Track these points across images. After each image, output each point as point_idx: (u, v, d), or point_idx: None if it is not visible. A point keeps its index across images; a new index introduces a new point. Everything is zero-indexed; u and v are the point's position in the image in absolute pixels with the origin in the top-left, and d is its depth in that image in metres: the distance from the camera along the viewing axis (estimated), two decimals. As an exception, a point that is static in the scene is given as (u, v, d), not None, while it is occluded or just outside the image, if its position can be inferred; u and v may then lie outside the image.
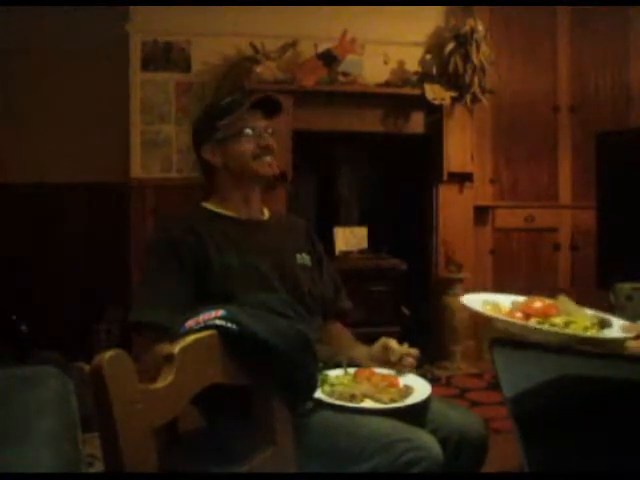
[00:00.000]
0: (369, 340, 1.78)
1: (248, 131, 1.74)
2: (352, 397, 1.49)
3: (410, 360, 1.65)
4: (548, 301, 1.36)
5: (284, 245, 1.79)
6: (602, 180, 3.43)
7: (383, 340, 1.70)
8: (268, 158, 1.75)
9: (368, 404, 1.49)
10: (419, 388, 1.56)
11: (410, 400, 1.51)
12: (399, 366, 1.64)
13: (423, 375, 1.69)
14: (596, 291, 3.48)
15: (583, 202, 4.07)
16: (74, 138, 3.97)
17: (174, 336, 1.16)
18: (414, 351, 1.66)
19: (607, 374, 0.72)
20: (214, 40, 3.73)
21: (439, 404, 1.58)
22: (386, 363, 1.66)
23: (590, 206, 3.67)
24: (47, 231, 3.98)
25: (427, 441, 1.39)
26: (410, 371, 1.64)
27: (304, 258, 1.80)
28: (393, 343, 1.67)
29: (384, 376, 1.59)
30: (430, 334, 3.90)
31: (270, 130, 1.78)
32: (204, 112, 1.86)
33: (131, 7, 3.67)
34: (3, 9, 3.65)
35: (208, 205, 1.79)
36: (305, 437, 1.38)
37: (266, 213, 1.85)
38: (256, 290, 1.59)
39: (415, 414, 1.49)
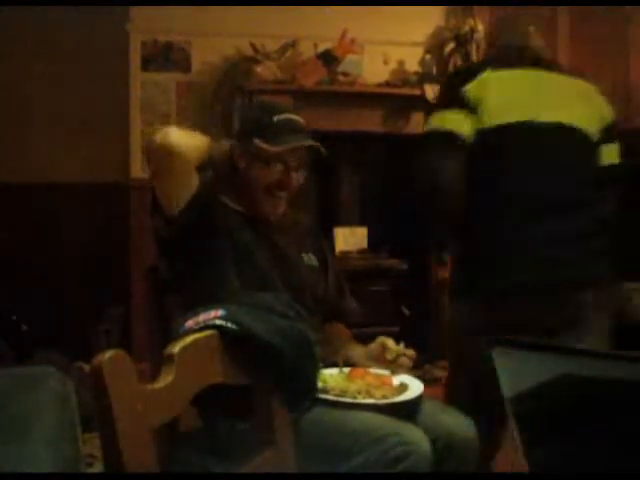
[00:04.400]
0: (369, 340, 1.79)
1: (277, 165, 1.70)
2: (344, 393, 1.50)
3: (405, 360, 1.65)
4: None
5: (291, 245, 1.79)
6: (602, 180, 3.43)
7: (381, 339, 1.71)
8: (282, 194, 1.72)
9: (360, 400, 1.49)
10: (412, 387, 1.57)
11: (402, 397, 1.52)
12: (394, 365, 1.65)
13: (422, 375, 1.69)
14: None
15: (583, 202, 4.07)
16: (74, 138, 3.97)
17: (173, 336, 1.16)
18: (410, 352, 1.67)
19: (607, 374, 0.72)
20: (214, 40, 3.72)
21: (429, 405, 1.59)
22: (382, 362, 1.66)
23: (590, 206, 3.67)
24: (47, 231, 3.98)
25: (416, 436, 1.40)
26: (406, 372, 1.65)
27: (311, 259, 1.80)
28: (390, 342, 1.69)
29: (377, 375, 1.60)
30: (430, 334, 3.90)
31: (300, 162, 1.74)
32: (252, 115, 1.80)
33: (131, 7, 3.66)
34: (3, 9, 3.65)
35: (223, 198, 1.78)
36: (297, 432, 1.38)
37: None
38: (258, 289, 1.58)
39: (407, 412, 1.50)
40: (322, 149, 1.73)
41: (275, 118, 1.71)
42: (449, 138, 1.83)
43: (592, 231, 1.89)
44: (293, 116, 1.76)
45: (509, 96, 1.89)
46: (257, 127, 1.71)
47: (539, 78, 1.96)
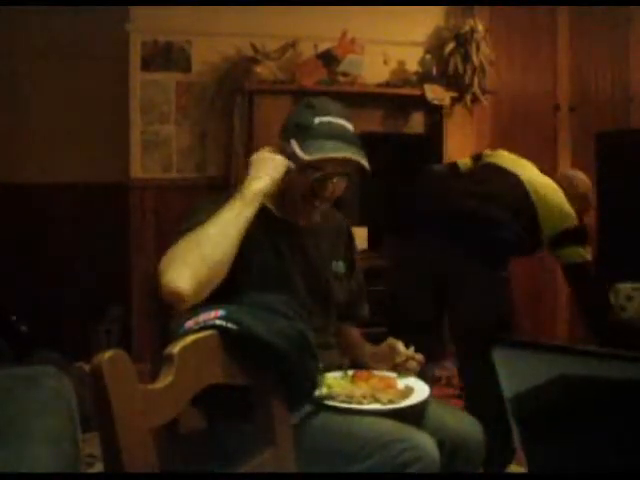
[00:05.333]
0: (369, 340, 1.79)
1: (312, 171, 1.57)
2: (350, 398, 1.49)
3: (414, 364, 1.64)
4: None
5: (320, 250, 1.72)
6: (602, 180, 3.43)
7: (390, 341, 1.69)
8: (317, 202, 1.60)
9: (367, 405, 1.49)
10: (418, 390, 1.56)
11: (409, 401, 1.51)
12: (402, 368, 1.64)
13: (424, 373, 1.69)
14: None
15: (583, 202, 4.06)
16: (74, 138, 3.97)
17: (173, 336, 1.16)
18: (419, 356, 1.65)
19: (607, 374, 0.72)
20: (214, 40, 3.72)
21: (436, 407, 1.58)
22: (390, 364, 1.66)
23: (590, 206, 3.67)
24: (47, 231, 3.98)
25: (424, 441, 1.40)
26: (413, 375, 1.64)
27: (339, 266, 1.75)
28: (399, 345, 1.67)
29: (382, 378, 1.59)
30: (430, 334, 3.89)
31: (340, 170, 1.59)
32: (296, 116, 1.63)
33: (131, 7, 3.66)
34: (4, 10, 3.65)
35: None
36: (303, 438, 1.38)
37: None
38: (279, 292, 1.48)
39: (413, 415, 1.49)
40: (363, 162, 1.58)
41: (317, 120, 1.58)
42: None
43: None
44: (338, 120, 1.61)
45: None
46: (296, 127, 1.59)
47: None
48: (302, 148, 1.55)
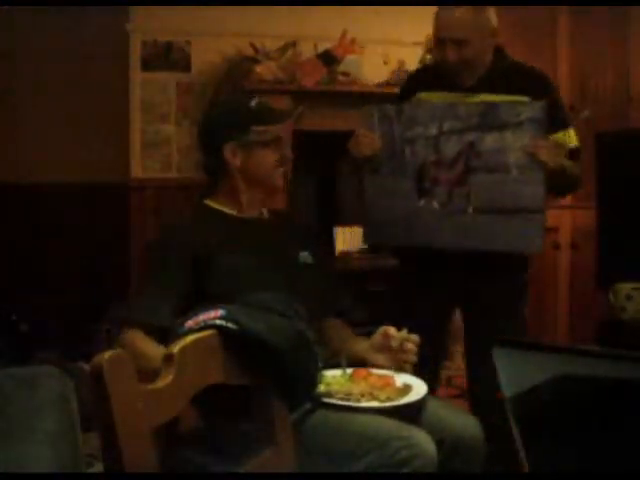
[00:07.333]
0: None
1: (276, 141, 1.76)
2: (348, 396, 1.50)
3: (410, 345, 1.63)
4: None
5: (286, 244, 1.78)
6: (602, 180, 3.43)
7: (383, 328, 1.69)
8: (283, 169, 1.79)
9: (364, 403, 1.49)
10: (416, 388, 1.56)
11: (406, 399, 1.51)
12: (400, 352, 1.63)
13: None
14: (596, 291, 3.48)
15: (583, 202, 4.06)
16: (74, 138, 3.96)
17: (173, 336, 1.16)
18: (414, 337, 1.65)
19: (607, 374, 0.72)
20: (214, 40, 3.72)
21: (434, 405, 1.58)
22: (387, 351, 1.65)
23: (590, 206, 3.67)
24: (47, 231, 3.97)
25: (422, 439, 1.40)
26: (409, 370, 1.64)
27: (307, 257, 1.80)
28: (392, 330, 1.67)
29: (380, 376, 1.59)
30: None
31: (288, 139, 1.81)
32: (231, 111, 1.82)
33: (131, 7, 3.66)
34: (3, 9, 3.65)
35: (210, 203, 1.79)
36: (301, 436, 1.38)
37: (265, 213, 1.85)
38: (257, 289, 1.57)
39: (411, 413, 1.49)
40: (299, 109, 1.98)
41: (254, 103, 1.78)
42: None
43: None
44: (263, 102, 1.84)
45: None
46: (249, 115, 1.76)
47: None
48: (267, 125, 1.77)
